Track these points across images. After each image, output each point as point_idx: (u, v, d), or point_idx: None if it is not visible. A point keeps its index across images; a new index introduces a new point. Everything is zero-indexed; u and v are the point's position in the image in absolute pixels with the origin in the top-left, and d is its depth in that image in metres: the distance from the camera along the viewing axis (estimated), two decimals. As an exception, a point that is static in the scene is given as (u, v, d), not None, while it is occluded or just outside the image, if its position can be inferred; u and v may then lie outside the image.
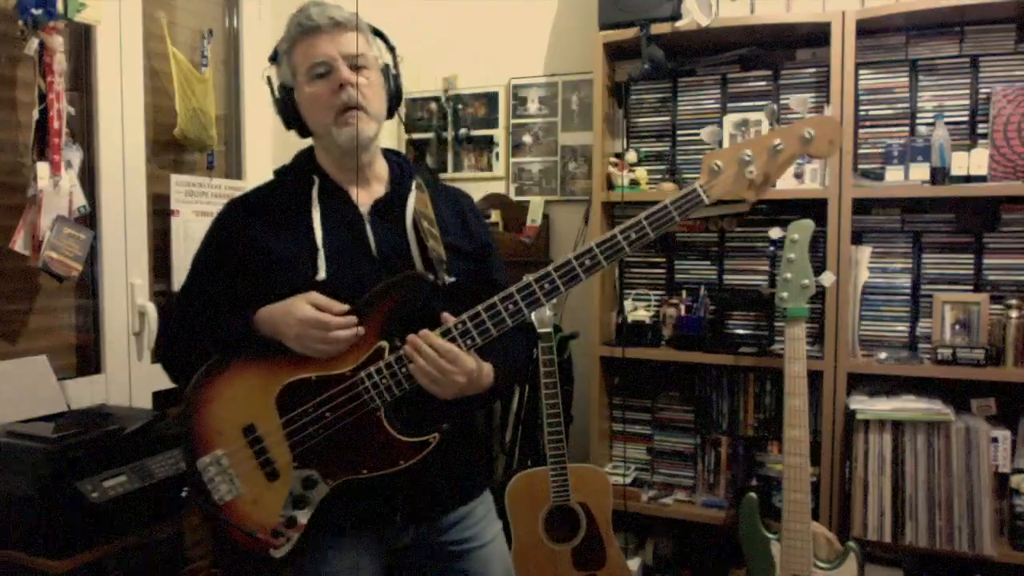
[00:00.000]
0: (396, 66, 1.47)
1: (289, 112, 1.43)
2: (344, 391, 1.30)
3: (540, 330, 2.34)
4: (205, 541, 2.30)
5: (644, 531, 2.74)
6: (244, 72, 2.85)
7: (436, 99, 3.15)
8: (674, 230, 2.71)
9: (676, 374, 2.71)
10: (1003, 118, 2.25)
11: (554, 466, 2.31)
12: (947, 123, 2.34)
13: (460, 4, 3.11)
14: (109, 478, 1.82)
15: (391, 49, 1.47)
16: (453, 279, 1.38)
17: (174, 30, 2.54)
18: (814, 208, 2.34)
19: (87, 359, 2.31)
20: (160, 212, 2.49)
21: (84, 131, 2.24)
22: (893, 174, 2.37)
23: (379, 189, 1.46)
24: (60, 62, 2.01)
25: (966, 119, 2.37)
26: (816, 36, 2.45)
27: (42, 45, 1.97)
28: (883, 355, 2.36)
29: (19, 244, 1.99)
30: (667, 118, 2.75)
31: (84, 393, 2.21)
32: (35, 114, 1.98)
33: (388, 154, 1.52)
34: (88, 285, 2.28)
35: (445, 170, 3.16)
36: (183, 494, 1.89)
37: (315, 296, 1.30)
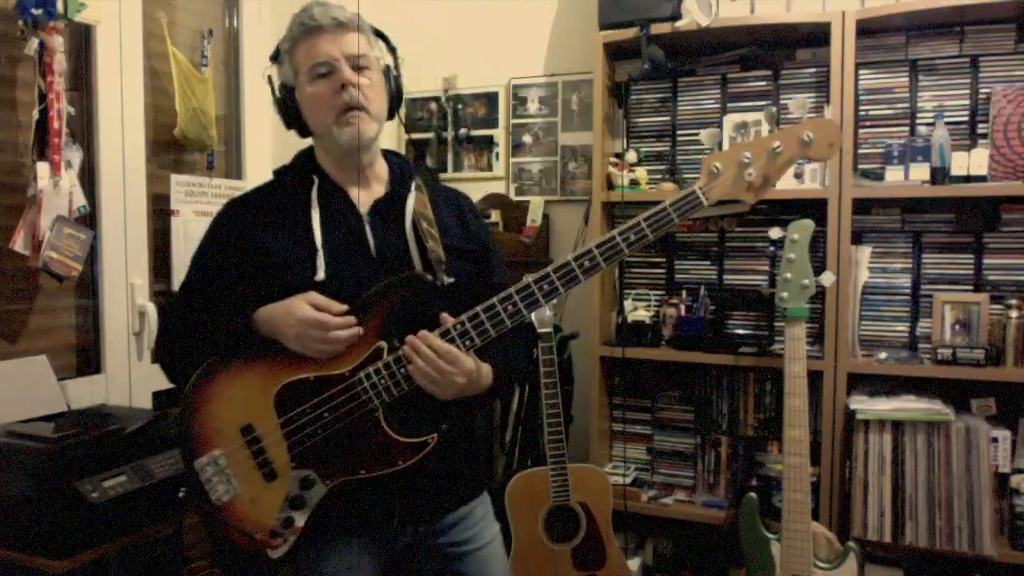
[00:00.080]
0: (397, 67, 1.47)
1: (289, 111, 1.43)
2: (343, 391, 1.30)
3: (540, 330, 2.35)
4: (205, 541, 2.30)
5: (644, 531, 2.74)
6: (244, 72, 2.85)
7: (436, 99, 3.15)
8: (674, 230, 2.71)
9: (676, 374, 2.71)
10: (1003, 118, 2.25)
11: (554, 466, 2.31)
12: (947, 123, 2.34)
13: (460, 4, 3.11)
14: (109, 478, 1.82)
15: (392, 50, 1.47)
16: (452, 280, 1.38)
17: (174, 30, 2.54)
18: (814, 208, 2.34)
19: (87, 359, 2.31)
20: (160, 212, 2.49)
21: (84, 131, 2.24)
22: (893, 174, 2.37)
23: (379, 190, 1.46)
24: (60, 62, 2.01)
25: (966, 119, 2.37)
26: (816, 36, 2.45)
27: (42, 45, 1.98)
28: (883, 355, 2.36)
29: (19, 244, 2.00)
30: (667, 118, 2.75)
31: (84, 393, 2.21)
32: (35, 114, 1.99)
33: (388, 155, 1.52)
34: (88, 285, 2.29)
35: (445, 170, 3.16)
36: (180, 494, 1.90)
37: (314, 296, 1.30)
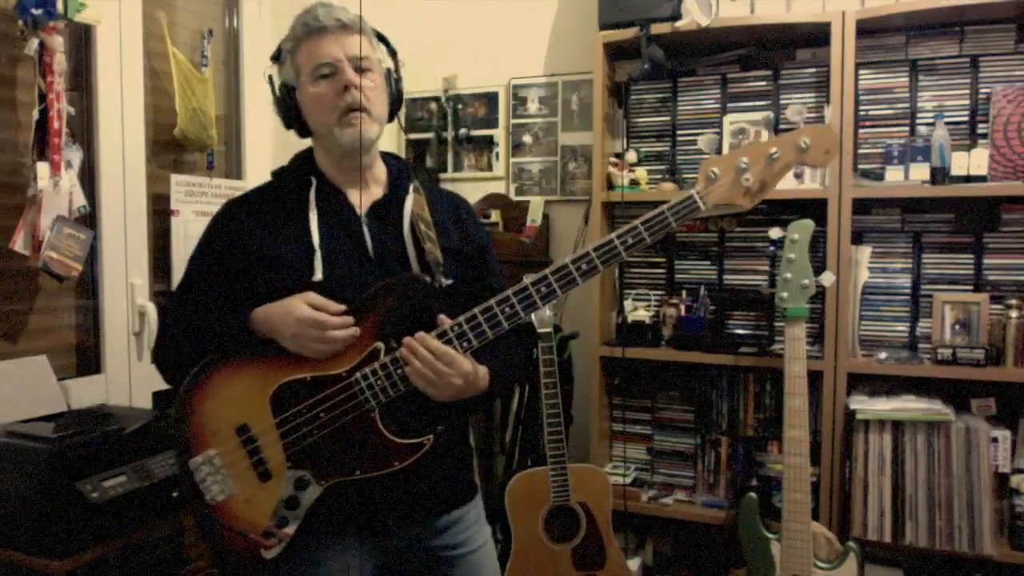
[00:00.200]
0: (398, 70, 1.48)
1: (290, 111, 1.43)
2: (339, 392, 1.30)
3: (540, 330, 2.35)
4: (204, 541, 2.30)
5: (644, 531, 2.73)
6: (244, 72, 2.85)
7: (436, 99, 3.15)
8: (674, 230, 2.71)
9: (676, 374, 2.71)
10: (1003, 118, 2.25)
11: (554, 466, 2.31)
12: (947, 123, 2.33)
13: (460, 4, 3.11)
14: (109, 478, 1.82)
15: (393, 53, 1.48)
16: (450, 281, 1.38)
17: (174, 30, 2.54)
18: (814, 208, 2.34)
19: (87, 359, 2.32)
20: (160, 212, 2.50)
21: (84, 131, 2.25)
22: (893, 174, 2.37)
23: (377, 191, 1.46)
24: (60, 62, 2.02)
25: (966, 119, 2.37)
26: (816, 36, 2.44)
27: (42, 45, 1.98)
28: (883, 355, 2.35)
29: (19, 244, 2.00)
30: (667, 118, 2.74)
31: (84, 393, 2.21)
32: (35, 114, 1.99)
33: (386, 157, 1.52)
34: (88, 285, 2.29)
35: (445, 170, 3.16)
36: (174, 495, 1.90)
37: (312, 296, 1.30)
